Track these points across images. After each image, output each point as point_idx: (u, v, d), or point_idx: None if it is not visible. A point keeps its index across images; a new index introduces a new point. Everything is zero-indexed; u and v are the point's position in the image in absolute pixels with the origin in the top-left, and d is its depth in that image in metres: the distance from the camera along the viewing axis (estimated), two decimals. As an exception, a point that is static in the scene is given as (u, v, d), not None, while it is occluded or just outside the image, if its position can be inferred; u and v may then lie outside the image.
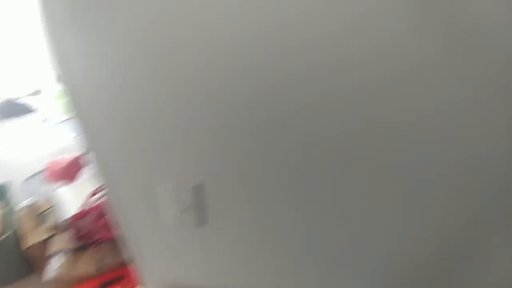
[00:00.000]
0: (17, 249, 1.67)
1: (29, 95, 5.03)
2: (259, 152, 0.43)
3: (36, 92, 5.06)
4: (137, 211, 0.66)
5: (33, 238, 1.70)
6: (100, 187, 1.73)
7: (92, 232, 1.51)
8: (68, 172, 2.59)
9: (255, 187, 0.47)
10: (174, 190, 0.58)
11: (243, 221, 0.54)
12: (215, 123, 0.45)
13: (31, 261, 1.71)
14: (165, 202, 0.61)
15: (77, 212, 1.55)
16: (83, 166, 2.83)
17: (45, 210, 1.89)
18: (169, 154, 0.54)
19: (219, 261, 0.66)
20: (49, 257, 1.55)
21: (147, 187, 0.60)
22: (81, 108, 0.55)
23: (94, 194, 1.64)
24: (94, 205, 1.57)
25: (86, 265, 1.50)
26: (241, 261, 0.61)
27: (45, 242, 1.69)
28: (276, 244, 0.53)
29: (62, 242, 1.63)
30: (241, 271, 0.63)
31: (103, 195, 1.67)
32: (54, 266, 1.48)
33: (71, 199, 1.71)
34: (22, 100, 4.90)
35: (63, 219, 1.64)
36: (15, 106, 4.76)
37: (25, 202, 2.15)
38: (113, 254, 1.54)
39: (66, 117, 2.37)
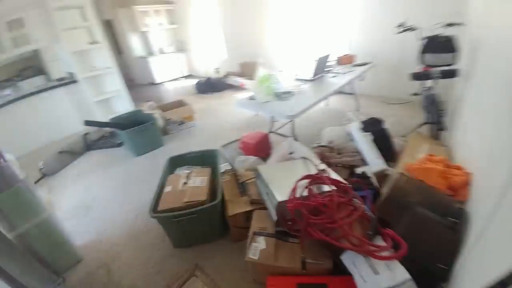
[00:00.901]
0: (222, 212, 1.66)
1: (228, 75, 5.76)
2: None
3: (228, 74, 5.77)
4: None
5: (236, 207, 1.62)
6: (320, 179, 1.39)
7: (300, 224, 1.24)
8: (259, 148, 2.44)
9: None
10: None
11: None
12: None
13: (229, 225, 1.68)
14: None
15: (288, 197, 1.31)
16: (271, 146, 2.83)
17: (246, 180, 1.85)
18: None
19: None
20: (251, 234, 1.41)
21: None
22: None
23: (313, 182, 1.37)
24: (309, 196, 1.30)
25: (287, 258, 1.26)
26: None
27: (246, 214, 1.61)
28: None
29: (263, 220, 1.49)
30: None
31: (325, 191, 1.33)
32: (256, 248, 1.33)
33: (275, 177, 1.53)
34: (222, 79, 5.68)
35: (270, 198, 1.47)
36: (216, 83, 5.59)
37: (223, 166, 2.24)
38: (319, 256, 1.21)
39: (267, 99, 2.26)
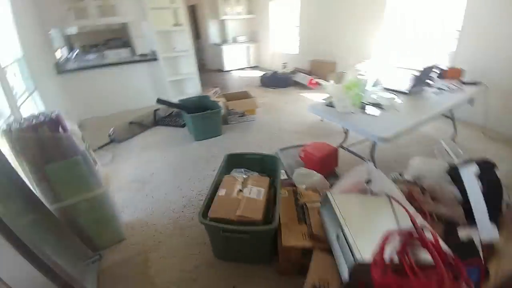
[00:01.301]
0: (275, 235, 1.35)
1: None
2: None
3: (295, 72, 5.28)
4: None
5: (292, 237, 1.28)
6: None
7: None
8: (324, 163, 1.98)
9: None
10: None
11: None
12: None
13: (278, 252, 1.36)
14: None
15: (372, 256, 0.92)
16: (338, 164, 2.19)
17: (307, 202, 1.49)
18: None
19: None
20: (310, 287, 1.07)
21: None
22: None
23: (410, 244, 0.91)
24: (405, 266, 0.88)
25: None
26: None
27: (302, 251, 1.27)
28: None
29: (325, 269, 1.13)
30: None
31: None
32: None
33: (351, 215, 1.13)
34: (289, 75, 5.13)
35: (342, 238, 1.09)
36: (281, 79, 5.22)
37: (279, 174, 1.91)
38: None
39: (350, 110, 1.81)
